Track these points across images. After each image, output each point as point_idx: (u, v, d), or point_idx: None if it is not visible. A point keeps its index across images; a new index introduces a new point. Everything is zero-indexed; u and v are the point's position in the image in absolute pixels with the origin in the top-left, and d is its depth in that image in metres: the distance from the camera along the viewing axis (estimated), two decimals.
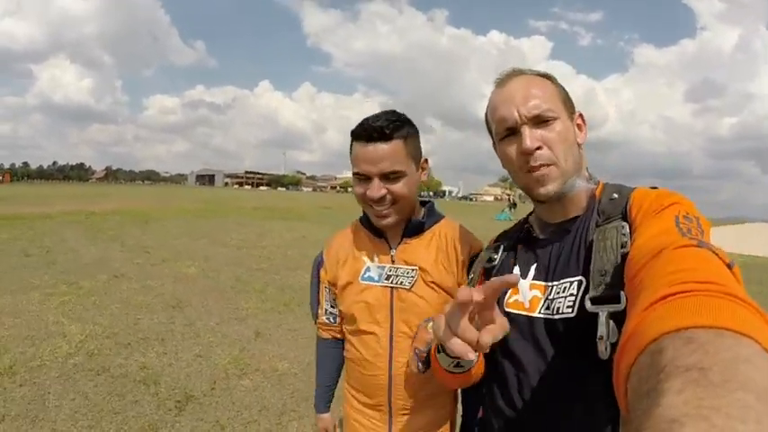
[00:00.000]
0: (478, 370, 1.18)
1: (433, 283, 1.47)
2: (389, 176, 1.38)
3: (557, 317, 0.99)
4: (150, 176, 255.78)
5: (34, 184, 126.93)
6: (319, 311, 1.71)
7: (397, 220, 1.45)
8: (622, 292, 0.82)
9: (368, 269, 1.55)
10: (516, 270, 1.13)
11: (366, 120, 1.40)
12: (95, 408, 3.59)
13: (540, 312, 1.03)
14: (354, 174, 1.43)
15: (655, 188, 1.01)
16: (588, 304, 0.87)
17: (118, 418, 3.44)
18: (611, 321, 0.83)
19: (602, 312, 0.84)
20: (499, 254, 1.21)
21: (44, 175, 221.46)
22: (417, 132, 1.47)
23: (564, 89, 1.11)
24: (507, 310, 1.09)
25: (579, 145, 1.08)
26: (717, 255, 0.65)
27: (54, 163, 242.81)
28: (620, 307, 0.82)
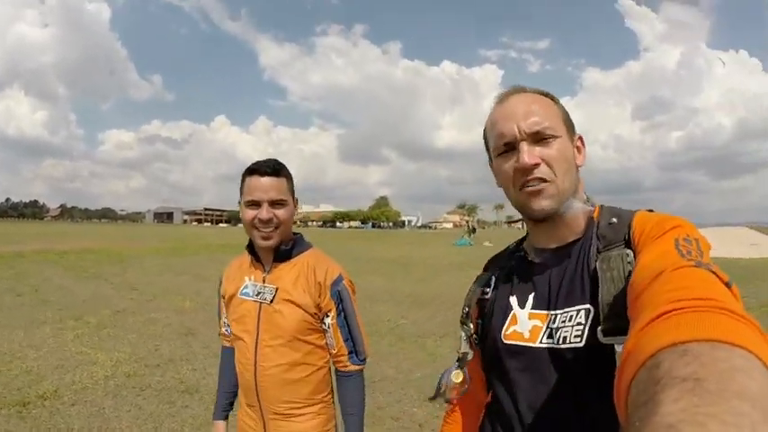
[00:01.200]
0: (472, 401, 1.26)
1: (288, 301, 1.70)
2: (276, 204, 1.68)
3: (563, 346, 0.96)
4: (107, 214, 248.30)
5: None
6: (221, 323, 1.99)
7: (277, 242, 1.71)
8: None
9: (246, 286, 1.80)
10: (513, 301, 1.11)
11: (258, 161, 1.73)
12: (152, 414, 4.17)
13: (541, 342, 1.01)
14: (247, 202, 1.69)
15: (651, 211, 1.00)
16: (600, 336, 0.86)
17: (176, 419, 4.04)
18: None
19: (619, 346, 0.83)
20: (492, 285, 1.20)
21: None
22: (292, 177, 1.79)
23: (565, 110, 1.10)
24: (506, 341, 1.08)
25: (578, 167, 1.08)
26: (715, 274, 0.66)
27: (7, 200, 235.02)
28: None
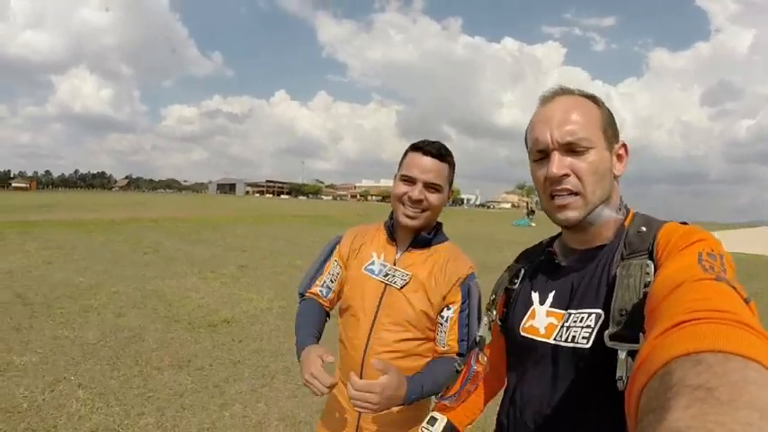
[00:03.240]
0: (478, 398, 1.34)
1: (420, 291, 1.62)
2: (431, 187, 1.61)
3: (570, 345, 0.99)
4: (171, 185, 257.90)
5: (59, 191, 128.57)
6: (317, 282, 1.82)
7: (420, 224, 1.64)
8: (641, 333, 0.81)
9: (372, 263, 1.72)
10: (535, 296, 1.14)
11: (426, 140, 1.67)
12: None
13: (554, 339, 1.03)
14: (402, 176, 1.63)
15: (685, 224, 0.98)
16: (607, 340, 0.87)
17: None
18: (629, 359, 0.83)
19: (622, 352, 0.84)
20: (520, 278, 1.23)
21: (67, 183, 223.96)
22: (455, 166, 1.72)
23: (610, 115, 1.08)
24: (523, 334, 1.12)
25: (616, 176, 1.06)
26: (735, 289, 0.66)
27: (76, 171, 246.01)
28: (638, 346, 0.82)
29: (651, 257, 0.93)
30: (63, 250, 11.50)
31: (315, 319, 1.76)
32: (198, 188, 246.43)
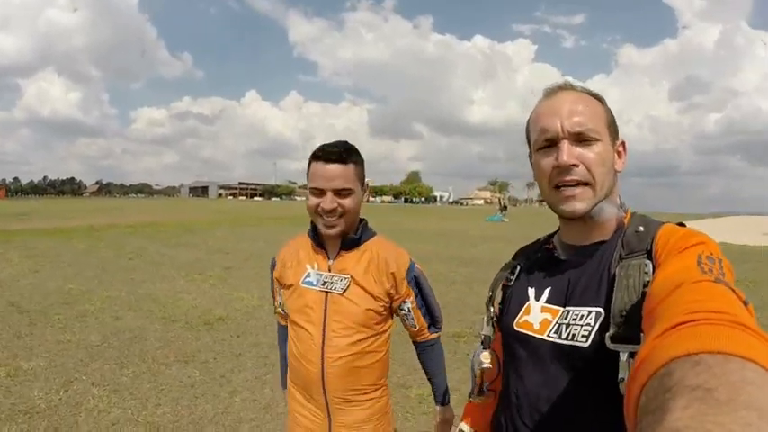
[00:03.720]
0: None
1: (363, 290, 1.66)
2: (341, 193, 1.60)
3: (568, 343, 0.98)
4: (143, 189, 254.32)
5: (30, 199, 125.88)
6: (276, 303, 1.95)
7: (341, 230, 1.65)
8: (642, 334, 0.79)
9: (308, 275, 1.72)
10: (531, 292, 1.14)
11: (325, 145, 1.64)
12: None
13: (548, 335, 1.03)
14: (311, 188, 1.63)
15: (682, 225, 1.00)
16: (608, 342, 0.87)
17: None
18: (631, 360, 0.83)
19: (623, 353, 0.84)
20: (516, 274, 1.23)
21: (37, 190, 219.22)
22: (363, 161, 1.71)
23: (611, 113, 1.09)
24: (516, 329, 1.12)
25: (617, 172, 1.07)
26: (734, 291, 0.67)
27: (45, 178, 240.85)
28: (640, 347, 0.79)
29: (649, 257, 0.93)
30: (48, 258, 11.64)
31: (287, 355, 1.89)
32: (170, 192, 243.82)
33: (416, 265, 1.76)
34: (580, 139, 1.02)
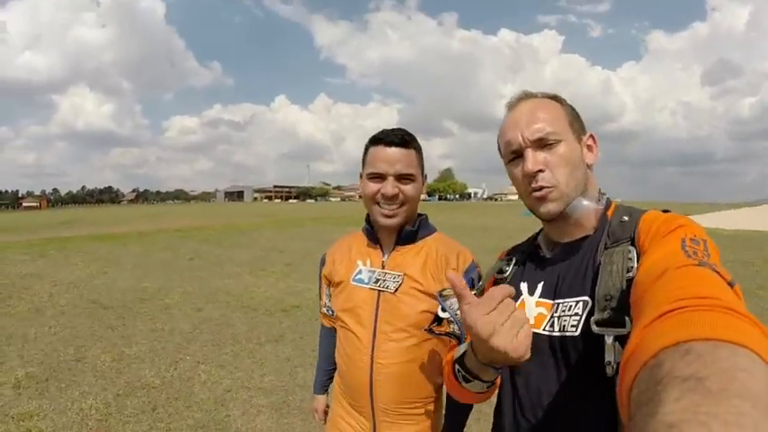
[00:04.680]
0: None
1: (417, 289, 1.51)
2: (403, 178, 1.51)
3: (560, 334, 1.00)
4: (179, 196, 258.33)
5: (70, 208, 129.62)
6: (322, 303, 1.83)
7: (401, 221, 1.54)
8: (627, 317, 0.83)
9: (360, 272, 1.62)
10: (524, 287, 1.15)
11: (385, 130, 1.56)
12: None
13: (544, 329, 1.04)
14: (369, 174, 1.53)
15: (667, 211, 1.00)
16: (594, 327, 0.89)
17: None
18: (616, 344, 0.85)
19: (609, 337, 0.86)
20: (510, 267, 1.24)
21: (75, 199, 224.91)
22: (422, 150, 1.62)
23: (573, 111, 1.12)
24: None
25: (589, 165, 1.10)
26: (719, 273, 0.67)
27: (83, 188, 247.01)
28: (625, 331, 0.84)
29: (633, 245, 0.95)
30: (110, 261, 12.22)
31: (326, 359, 1.89)
32: (206, 197, 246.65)
33: (477, 269, 1.59)
34: (542, 144, 1.05)
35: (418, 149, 1.59)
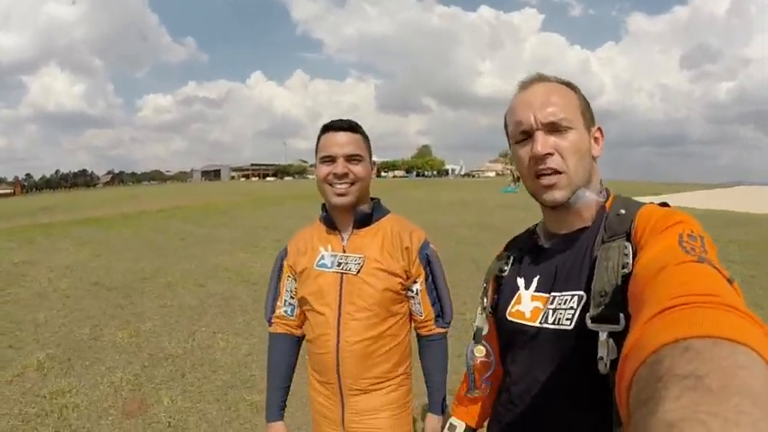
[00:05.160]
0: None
1: (378, 269, 1.62)
2: (352, 158, 1.61)
3: (554, 327, 1.02)
4: (155, 176, 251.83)
5: (45, 193, 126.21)
6: (278, 303, 1.82)
7: (353, 200, 1.63)
8: (621, 314, 0.84)
9: (322, 257, 1.69)
10: (521, 281, 1.16)
11: (333, 119, 1.69)
12: None
13: (539, 323, 1.06)
14: (321, 157, 1.63)
15: (665, 204, 1.00)
16: (588, 322, 0.90)
17: None
18: (610, 340, 0.86)
19: (603, 333, 0.87)
20: (509, 264, 1.25)
21: (50, 184, 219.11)
22: (369, 139, 1.72)
23: (585, 100, 1.11)
24: (509, 318, 1.15)
25: (594, 158, 1.09)
26: (718, 270, 0.67)
27: (57, 172, 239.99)
28: (619, 328, 0.85)
29: (629, 239, 0.94)
30: (100, 244, 12.15)
31: (282, 375, 1.82)
32: (182, 177, 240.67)
33: (431, 246, 1.72)
34: (554, 128, 1.04)
35: (365, 136, 1.70)
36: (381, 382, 1.68)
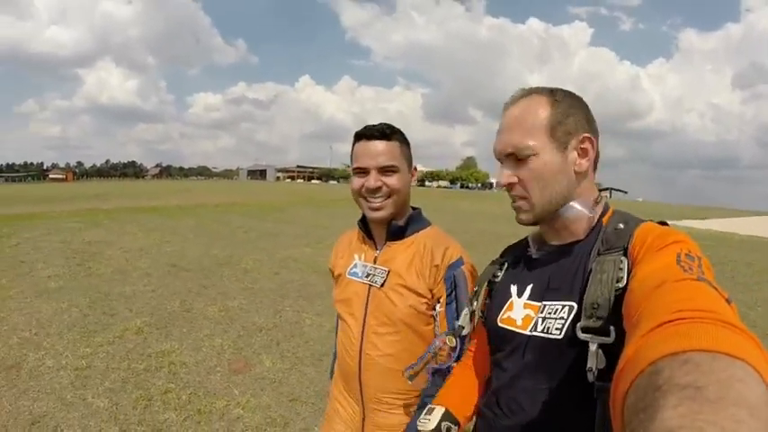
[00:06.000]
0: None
1: (401, 285, 1.54)
2: (386, 170, 1.52)
3: (543, 336, 1.02)
4: (202, 172, 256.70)
5: (95, 181, 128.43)
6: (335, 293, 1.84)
7: (389, 214, 1.55)
8: (612, 327, 0.85)
9: (355, 265, 1.67)
10: (513, 289, 1.16)
11: (367, 125, 1.57)
12: None
13: (530, 331, 1.06)
14: (354, 169, 1.56)
15: (664, 223, 1.00)
16: (579, 333, 0.90)
17: None
18: (600, 352, 0.87)
19: (593, 344, 0.87)
20: (503, 271, 1.25)
21: (101, 173, 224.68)
22: (408, 143, 1.62)
23: (566, 110, 1.06)
24: (500, 325, 1.14)
25: (578, 173, 1.06)
26: (716, 289, 0.68)
27: (107, 161, 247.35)
28: (609, 340, 0.85)
29: (626, 254, 0.94)
30: (168, 232, 12.56)
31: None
32: (228, 175, 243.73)
33: (464, 266, 1.55)
34: (515, 158, 1.06)
35: (402, 141, 1.59)
36: (404, 399, 1.58)
